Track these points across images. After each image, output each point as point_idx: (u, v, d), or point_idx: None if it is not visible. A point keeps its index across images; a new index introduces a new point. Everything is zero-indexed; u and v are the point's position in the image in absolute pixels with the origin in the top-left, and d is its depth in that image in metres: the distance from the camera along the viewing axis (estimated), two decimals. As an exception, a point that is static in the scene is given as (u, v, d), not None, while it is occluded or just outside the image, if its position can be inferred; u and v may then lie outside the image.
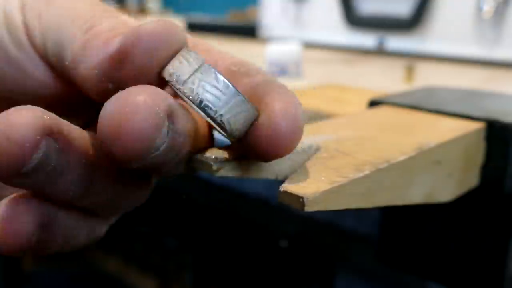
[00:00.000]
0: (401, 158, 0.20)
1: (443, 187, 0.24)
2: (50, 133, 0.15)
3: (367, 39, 0.81)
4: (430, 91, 0.33)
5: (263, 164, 0.19)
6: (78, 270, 0.90)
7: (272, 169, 0.20)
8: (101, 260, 0.93)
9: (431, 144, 0.22)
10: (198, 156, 0.19)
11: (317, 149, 0.21)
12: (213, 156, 0.19)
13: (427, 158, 0.22)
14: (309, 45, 0.93)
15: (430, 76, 0.66)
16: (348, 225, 0.37)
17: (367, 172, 0.18)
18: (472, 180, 0.26)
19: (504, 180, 0.25)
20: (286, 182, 0.17)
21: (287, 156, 0.20)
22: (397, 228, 0.29)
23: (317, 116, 0.37)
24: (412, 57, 0.77)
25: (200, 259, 0.78)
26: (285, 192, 0.16)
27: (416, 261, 0.29)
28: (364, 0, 0.82)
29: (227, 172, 0.18)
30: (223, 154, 0.19)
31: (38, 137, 0.15)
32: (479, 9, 0.69)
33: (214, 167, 0.18)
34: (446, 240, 0.27)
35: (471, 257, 0.27)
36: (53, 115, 0.16)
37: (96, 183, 0.17)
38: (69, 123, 0.17)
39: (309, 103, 0.39)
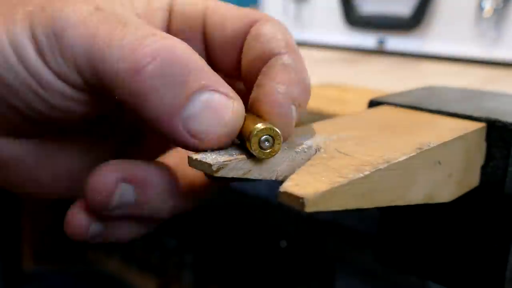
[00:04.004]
0: (401, 158, 0.20)
1: (443, 188, 0.23)
2: (125, 180, 0.21)
3: (367, 39, 0.81)
4: (430, 91, 0.33)
5: (263, 165, 0.19)
6: (78, 270, 0.90)
7: (272, 169, 0.20)
8: (101, 260, 0.93)
9: (431, 144, 0.22)
10: (198, 156, 0.19)
11: (317, 149, 0.21)
12: (213, 156, 0.19)
13: (427, 159, 0.22)
14: (309, 45, 0.93)
15: (430, 76, 0.66)
16: (348, 224, 0.37)
17: (367, 172, 0.18)
18: (472, 180, 0.26)
19: (504, 180, 0.25)
20: (286, 182, 0.17)
21: (287, 157, 0.20)
22: (397, 228, 0.29)
23: (317, 116, 0.37)
24: (412, 57, 0.77)
25: (200, 259, 0.78)
26: (285, 193, 0.16)
27: (416, 262, 0.29)
28: (364, 0, 0.82)
29: (227, 172, 0.18)
30: (223, 155, 0.19)
31: (113, 185, 0.21)
32: (479, 9, 0.69)
33: (214, 167, 0.18)
34: (447, 241, 0.27)
35: (472, 258, 0.26)
36: (129, 162, 0.22)
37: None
38: (146, 163, 0.22)
39: (309, 103, 0.39)
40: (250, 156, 0.19)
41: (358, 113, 0.27)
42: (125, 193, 0.21)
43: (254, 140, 0.19)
